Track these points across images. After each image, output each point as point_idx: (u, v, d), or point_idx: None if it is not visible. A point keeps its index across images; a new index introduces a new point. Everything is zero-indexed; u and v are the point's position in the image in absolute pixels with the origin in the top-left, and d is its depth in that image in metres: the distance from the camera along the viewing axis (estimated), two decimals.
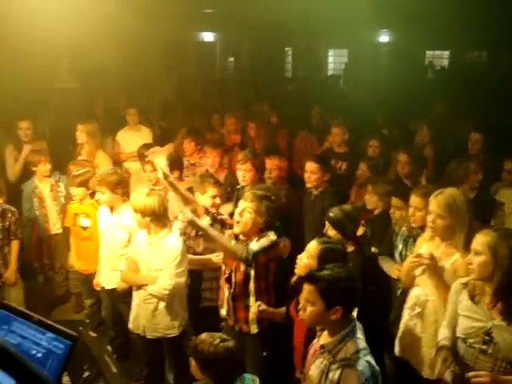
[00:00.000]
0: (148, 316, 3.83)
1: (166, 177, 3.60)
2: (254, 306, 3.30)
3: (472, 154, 5.33)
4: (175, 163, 5.05)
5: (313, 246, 3.03)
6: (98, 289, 4.57)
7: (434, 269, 3.02)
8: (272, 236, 3.43)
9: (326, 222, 3.60)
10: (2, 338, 1.10)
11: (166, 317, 3.81)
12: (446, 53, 15.14)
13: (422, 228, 3.46)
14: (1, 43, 7.13)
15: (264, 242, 3.36)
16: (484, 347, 2.59)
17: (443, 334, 2.83)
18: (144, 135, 6.57)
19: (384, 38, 14.79)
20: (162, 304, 3.77)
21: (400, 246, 3.77)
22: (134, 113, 6.67)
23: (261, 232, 3.41)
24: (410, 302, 3.23)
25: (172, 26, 10.73)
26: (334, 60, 16.27)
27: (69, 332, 1.57)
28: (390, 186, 4.27)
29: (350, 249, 3.44)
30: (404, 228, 3.81)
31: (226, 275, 3.53)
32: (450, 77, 13.38)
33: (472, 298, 2.68)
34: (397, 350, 3.33)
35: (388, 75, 12.16)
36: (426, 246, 3.23)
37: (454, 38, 12.51)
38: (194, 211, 3.53)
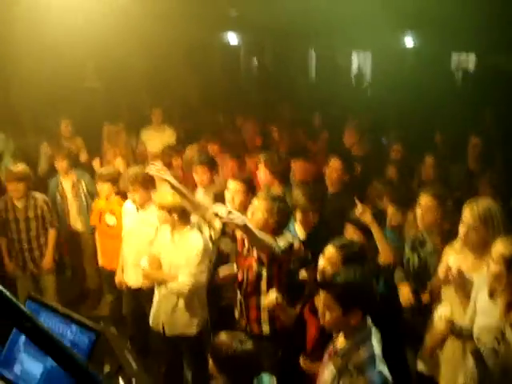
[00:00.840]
0: (168, 313, 3.89)
1: (174, 187, 3.63)
2: (271, 295, 3.24)
3: None
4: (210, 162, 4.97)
5: (330, 252, 3.00)
6: (121, 287, 4.63)
7: (461, 285, 2.95)
8: (289, 237, 3.44)
9: (348, 225, 3.59)
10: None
11: (185, 314, 3.85)
12: (472, 56, 14.90)
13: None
14: (28, 44, 7.30)
15: (284, 242, 3.36)
16: (496, 346, 2.56)
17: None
18: (168, 135, 6.67)
19: (408, 40, 14.62)
20: (182, 301, 3.82)
21: (407, 254, 3.62)
22: (158, 113, 6.77)
23: (274, 232, 3.39)
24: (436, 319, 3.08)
25: (197, 28, 10.82)
26: (358, 61, 16.18)
27: (93, 326, 1.61)
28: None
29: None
30: (410, 234, 3.74)
31: (240, 278, 3.50)
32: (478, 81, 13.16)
33: (491, 295, 2.65)
34: (420, 365, 3.27)
35: (413, 80, 12.06)
36: (454, 256, 3.14)
37: (480, 39, 12.28)
38: (203, 217, 3.58)
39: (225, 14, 10.82)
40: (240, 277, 3.51)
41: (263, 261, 3.38)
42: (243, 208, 3.85)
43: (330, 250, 3.04)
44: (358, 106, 9.08)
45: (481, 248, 2.99)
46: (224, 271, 3.95)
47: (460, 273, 2.96)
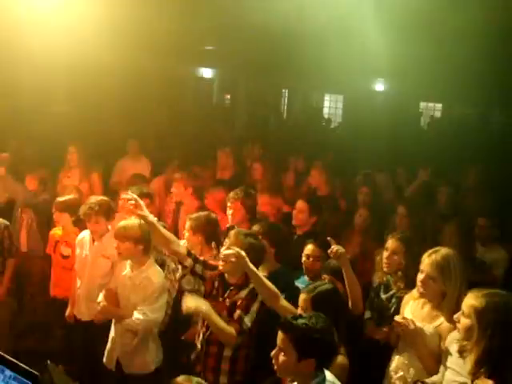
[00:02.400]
0: (123, 351, 3.72)
1: (144, 218, 3.36)
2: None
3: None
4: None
5: (301, 298, 2.93)
6: (71, 320, 4.41)
7: (414, 335, 2.89)
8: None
9: (324, 275, 3.51)
10: None
11: (140, 353, 3.69)
12: (439, 105, 15.45)
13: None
14: None
15: (254, 309, 3.22)
16: None
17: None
18: (143, 166, 6.58)
19: (379, 86, 15.06)
20: (137, 339, 3.65)
21: (372, 295, 3.63)
22: (135, 143, 6.72)
23: (246, 278, 3.25)
24: (393, 363, 3.08)
25: (172, 60, 10.86)
26: (329, 104, 16.51)
27: (29, 371, 1.47)
28: None
29: None
30: (375, 276, 3.76)
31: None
32: (442, 128, 13.63)
33: (460, 352, 2.58)
34: None
35: (382, 122, 12.36)
36: (411, 304, 3.13)
37: (447, 91, 12.78)
38: (175, 253, 3.41)
39: (200, 47, 10.93)
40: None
41: (227, 306, 3.25)
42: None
43: (300, 296, 2.98)
44: (328, 146, 9.22)
45: (438, 299, 2.96)
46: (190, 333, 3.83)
47: (413, 324, 2.91)
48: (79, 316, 4.31)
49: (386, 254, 3.54)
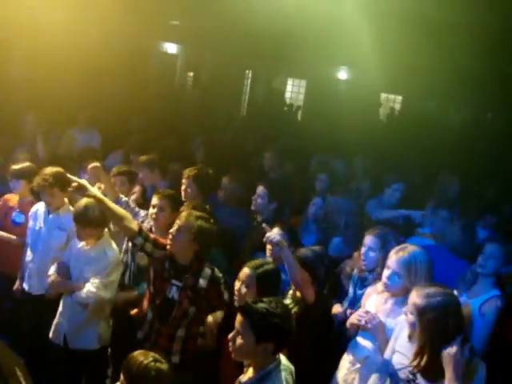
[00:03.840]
0: (70, 325, 3.67)
1: (92, 195, 3.27)
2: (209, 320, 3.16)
3: None
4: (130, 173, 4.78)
5: (245, 274, 2.98)
6: (18, 295, 4.31)
7: (378, 330, 2.96)
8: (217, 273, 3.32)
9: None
10: None
11: (89, 328, 3.65)
12: (399, 98, 15.73)
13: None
14: None
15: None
16: None
17: None
18: (93, 138, 6.41)
19: (342, 74, 15.19)
20: (86, 314, 3.61)
21: (350, 291, 3.66)
22: (86, 114, 6.51)
23: (199, 264, 3.28)
24: (350, 354, 3.12)
25: (137, 33, 10.61)
26: (292, 89, 16.53)
27: None
28: None
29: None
30: (355, 271, 3.74)
31: (158, 302, 3.32)
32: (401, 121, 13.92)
33: (409, 337, 2.68)
34: None
35: (344, 111, 12.51)
36: (374, 297, 3.18)
37: (408, 84, 13.03)
38: (125, 229, 3.33)
39: (166, 22, 10.71)
40: (158, 300, 3.31)
41: (189, 296, 3.25)
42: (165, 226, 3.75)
43: (244, 271, 3.03)
44: (287, 130, 9.27)
45: (401, 294, 3.02)
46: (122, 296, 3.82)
47: (375, 317, 2.99)
48: (29, 289, 4.20)
49: (362, 249, 3.52)
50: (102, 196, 3.29)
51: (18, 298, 4.37)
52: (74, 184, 3.10)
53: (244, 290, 3.02)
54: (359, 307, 3.36)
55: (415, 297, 2.58)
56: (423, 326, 2.53)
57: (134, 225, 3.32)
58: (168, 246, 3.26)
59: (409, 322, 2.62)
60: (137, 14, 9.02)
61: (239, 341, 2.35)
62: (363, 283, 3.59)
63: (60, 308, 3.76)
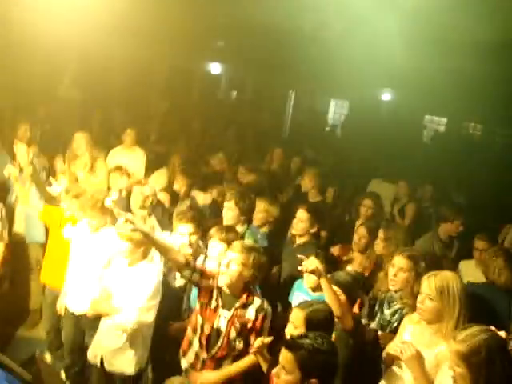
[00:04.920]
0: (108, 347, 3.70)
1: (137, 230, 3.28)
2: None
3: None
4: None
5: (296, 316, 2.95)
6: (62, 312, 4.38)
7: (414, 361, 2.85)
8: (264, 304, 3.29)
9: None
10: None
11: (126, 352, 3.67)
12: (444, 120, 15.43)
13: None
14: (6, 48, 7.10)
15: (266, 326, 3.24)
16: None
17: None
18: (137, 157, 6.51)
19: (386, 96, 15.04)
20: (125, 337, 3.63)
21: (376, 309, 3.65)
22: (130, 133, 6.61)
23: (248, 294, 3.26)
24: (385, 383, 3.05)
25: (181, 53, 10.81)
26: (335, 110, 16.48)
27: (22, 374, 1.46)
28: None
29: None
30: (380, 291, 3.73)
31: (207, 333, 3.30)
32: (446, 143, 13.65)
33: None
34: None
35: (386, 133, 12.36)
36: (411, 328, 3.10)
37: (453, 106, 12.80)
38: (173, 261, 3.35)
39: (211, 43, 10.88)
40: (207, 331, 3.30)
41: (236, 327, 3.23)
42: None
43: (296, 316, 2.99)
44: (328, 152, 9.22)
45: (437, 322, 2.95)
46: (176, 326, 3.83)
47: (414, 349, 2.87)
48: (71, 308, 4.27)
49: (392, 270, 3.53)
50: (147, 230, 3.33)
51: (60, 315, 4.45)
52: (122, 219, 3.16)
53: (293, 330, 2.96)
54: (391, 328, 3.32)
55: (455, 345, 2.46)
56: (474, 371, 2.38)
57: (181, 256, 3.33)
58: (220, 279, 3.24)
59: (457, 377, 2.47)
60: (183, 35, 9.22)
61: (284, 377, 2.32)
62: (390, 303, 3.56)
63: (100, 327, 3.79)
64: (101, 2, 5.94)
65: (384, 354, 3.14)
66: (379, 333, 3.48)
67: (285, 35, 8.03)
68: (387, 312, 3.53)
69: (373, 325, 3.61)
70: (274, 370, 2.40)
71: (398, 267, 3.50)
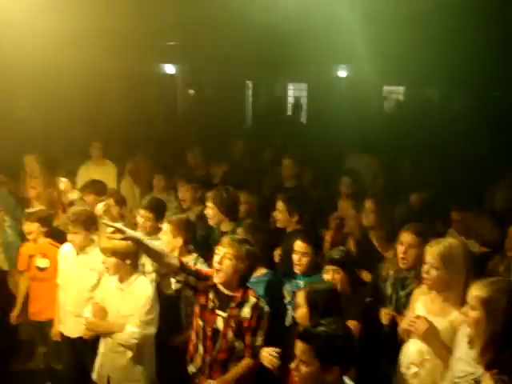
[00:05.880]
0: (114, 366, 3.61)
1: (128, 238, 3.08)
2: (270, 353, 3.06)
3: None
4: (158, 209, 4.54)
5: (297, 296, 2.94)
6: (57, 338, 4.25)
7: (429, 334, 2.85)
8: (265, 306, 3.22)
9: (327, 266, 3.46)
10: None
11: (134, 368, 3.57)
12: (401, 88, 15.61)
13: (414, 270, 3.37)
14: None
15: (263, 325, 3.16)
16: None
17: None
18: (109, 170, 6.35)
19: (342, 73, 15.10)
20: (130, 354, 3.53)
21: (389, 292, 3.59)
22: (98, 146, 6.44)
23: (243, 292, 3.19)
24: (405, 359, 3.00)
25: (133, 58, 10.60)
26: (294, 94, 16.46)
27: None
28: None
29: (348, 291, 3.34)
30: (391, 272, 3.67)
31: (209, 335, 3.23)
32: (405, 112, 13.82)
33: (470, 341, 2.57)
34: None
35: (347, 109, 12.41)
36: (422, 299, 3.09)
37: (409, 74, 12.93)
38: (167, 266, 3.25)
39: (161, 44, 10.71)
40: (209, 333, 3.22)
41: (232, 327, 3.15)
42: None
43: (299, 295, 2.99)
44: (295, 137, 9.21)
45: (445, 290, 2.95)
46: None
47: (426, 320, 2.88)
48: (67, 333, 4.15)
49: (401, 248, 3.48)
50: (140, 237, 3.21)
51: (55, 342, 4.32)
52: (111, 229, 3.03)
53: (298, 311, 2.95)
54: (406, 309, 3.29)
55: (476, 290, 2.47)
56: (491, 317, 2.39)
57: (175, 260, 3.24)
58: (215, 277, 3.18)
59: (471, 320, 2.48)
60: (133, 39, 9.03)
61: (304, 369, 2.25)
62: (404, 283, 3.52)
63: (101, 349, 3.70)
64: (46, 16, 5.74)
65: (400, 330, 3.14)
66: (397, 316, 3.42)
67: (234, 27, 7.93)
68: (402, 293, 3.48)
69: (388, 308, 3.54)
70: (292, 365, 2.34)
71: (406, 244, 3.45)
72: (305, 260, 3.74)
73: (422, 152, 7.55)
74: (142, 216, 4.37)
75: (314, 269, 3.72)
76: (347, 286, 3.42)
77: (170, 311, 3.85)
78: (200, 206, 5.17)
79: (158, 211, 4.43)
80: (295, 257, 3.77)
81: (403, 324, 3.05)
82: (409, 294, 3.40)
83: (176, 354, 3.66)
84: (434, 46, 8.80)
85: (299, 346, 2.28)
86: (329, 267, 3.45)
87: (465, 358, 2.59)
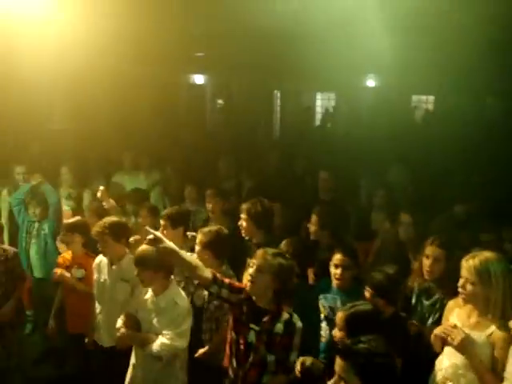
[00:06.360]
0: (146, 378, 3.60)
1: (165, 248, 3.06)
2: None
3: None
4: (180, 219, 4.59)
5: (338, 318, 2.90)
6: (91, 347, 4.29)
7: (466, 346, 2.78)
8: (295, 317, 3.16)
9: (367, 288, 3.38)
10: None
11: (165, 381, 3.57)
12: (431, 98, 15.43)
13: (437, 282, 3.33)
14: None
15: (296, 343, 3.09)
16: None
17: None
18: (140, 181, 6.41)
19: (370, 82, 15.02)
20: (161, 365, 3.53)
21: (413, 302, 3.58)
22: (130, 156, 6.52)
23: (278, 307, 3.14)
24: (439, 374, 2.93)
25: (164, 68, 10.74)
26: (322, 103, 16.44)
27: None
28: None
29: (389, 312, 3.25)
30: (415, 283, 3.63)
31: (242, 348, 3.19)
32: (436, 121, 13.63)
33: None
34: None
35: (376, 119, 12.33)
36: (457, 312, 3.03)
37: (439, 83, 12.78)
38: (199, 279, 3.23)
39: (191, 54, 10.83)
40: (242, 347, 3.19)
41: (265, 341, 3.11)
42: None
43: (339, 317, 2.94)
44: (324, 147, 9.15)
45: (482, 304, 2.88)
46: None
47: (461, 331, 2.81)
48: (100, 342, 4.20)
49: (427, 261, 3.48)
50: (176, 248, 3.18)
51: (89, 350, 4.36)
52: (150, 236, 3.05)
53: (337, 334, 2.90)
54: (434, 319, 3.26)
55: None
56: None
57: (208, 273, 3.22)
58: (247, 289, 3.16)
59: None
60: (163, 51, 9.15)
61: None
62: (429, 294, 3.49)
63: (133, 360, 3.71)
64: (79, 28, 5.86)
65: (432, 338, 3.03)
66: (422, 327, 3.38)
67: (262, 37, 7.97)
68: (427, 303, 3.46)
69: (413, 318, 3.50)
70: (331, 382, 2.31)
71: (432, 258, 3.44)
72: (345, 274, 3.68)
73: (455, 162, 7.43)
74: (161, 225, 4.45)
75: (352, 283, 3.67)
76: (388, 309, 3.33)
77: (194, 323, 3.81)
78: (227, 217, 5.20)
79: (175, 220, 4.46)
80: (335, 270, 3.71)
81: (437, 331, 2.95)
82: (432, 305, 3.39)
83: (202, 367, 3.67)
84: (464, 54, 8.72)
85: (339, 363, 2.25)
86: (368, 289, 3.36)
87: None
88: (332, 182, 5.88)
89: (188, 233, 4.56)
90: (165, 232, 4.33)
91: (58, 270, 4.49)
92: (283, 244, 3.88)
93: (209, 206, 5.42)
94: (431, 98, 15.40)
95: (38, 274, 5.28)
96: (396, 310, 3.34)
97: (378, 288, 3.28)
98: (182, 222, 4.52)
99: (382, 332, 2.70)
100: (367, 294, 3.34)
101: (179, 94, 12.98)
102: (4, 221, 5.86)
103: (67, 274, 4.46)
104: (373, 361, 2.20)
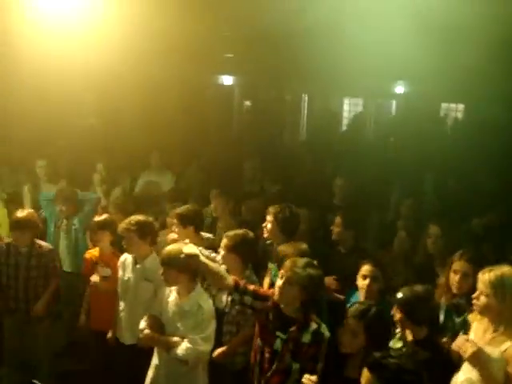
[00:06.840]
0: (170, 379, 3.60)
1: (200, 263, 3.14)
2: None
3: None
4: (190, 218, 4.53)
5: (353, 323, 2.89)
6: (112, 344, 4.32)
7: (477, 359, 2.73)
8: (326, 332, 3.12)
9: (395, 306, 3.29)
10: None
11: (189, 382, 3.57)
12: (461, 106, 15.16)
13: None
14: (26, 79, 7.14)
15: (322, 354, 3.06)
16: None
17: None
18: (167, 180, 6.44)
19: (399, 89, 14.84)
20: (185, 369, 3.53)
21: (441, 318, 3.51)
22: (158, 155, 6.55)
23: (305, 316, 3.12)
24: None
25: (192, 69, 10.80)
26: (350, 109, 16.31)
27: None
28: None
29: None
30: (442, 299, 3.59)
31: (267, 356, 3.17)
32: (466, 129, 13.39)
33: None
34: None
35: (404, 126, 12.17)
36: (474, 326, 3.01)
37: (469, 91, 12.55)
38: (224, 287, 3.26)
39: (220, 56, 10.88)
40: (268, 355, 3.17)
41: (291, 349, 3.08)
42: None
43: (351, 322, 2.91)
44: (350, 154, 9.07)
45: (497, 319, 2.86)
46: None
47: (475, 345, 2.76)
48: (121, 340, 4.22)
49: (456, 277, 3.47)
50: (204, 260, 3.20)
51: (111, 346, 4.38)
52: (173, 235, 3.07)
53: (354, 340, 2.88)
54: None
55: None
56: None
57: (230, 280, 3.23)
58: (275, 297, 3.14)
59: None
60: (193, 51, 9.21)
61: None
62: (458, 310, 3.42)
63: (156, 360, 3.70)
64: (109, 27, 5.94)
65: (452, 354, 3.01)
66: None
67: (291, 40, 7.96)
68: (458, 320, 3.39)
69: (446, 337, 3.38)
70: None
71: (461, 273, 3.42)
72: (373, 286, 3.63)
73: (484, 173, 7.30)
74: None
75: (378, 296, 3.62)
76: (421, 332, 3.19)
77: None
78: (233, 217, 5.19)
79: (185, 219, 4.44)
80: (363, 282, 3.66)
81: (453, 345, 2.92)
82: (464, 323, 3.32)
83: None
84: (497, 60, 8.56)
85: (366, 375, 2.23)
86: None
87: None
88: (347, 188, 5.83)
89: (202, 233, 4.57)
90: (176, 230, 4.35)
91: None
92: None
93: (213, 206, 5.41)
94: (461, 106, 15.13)
95: (66, 267, 5.31)
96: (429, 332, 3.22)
97: (403, 305, 3.16)
98: (192, 221, 4.44)
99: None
100: (397, 315, 3.20)
101: (207, 94, 13.04)
102: None
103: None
104: (400, 377, 2.16)
